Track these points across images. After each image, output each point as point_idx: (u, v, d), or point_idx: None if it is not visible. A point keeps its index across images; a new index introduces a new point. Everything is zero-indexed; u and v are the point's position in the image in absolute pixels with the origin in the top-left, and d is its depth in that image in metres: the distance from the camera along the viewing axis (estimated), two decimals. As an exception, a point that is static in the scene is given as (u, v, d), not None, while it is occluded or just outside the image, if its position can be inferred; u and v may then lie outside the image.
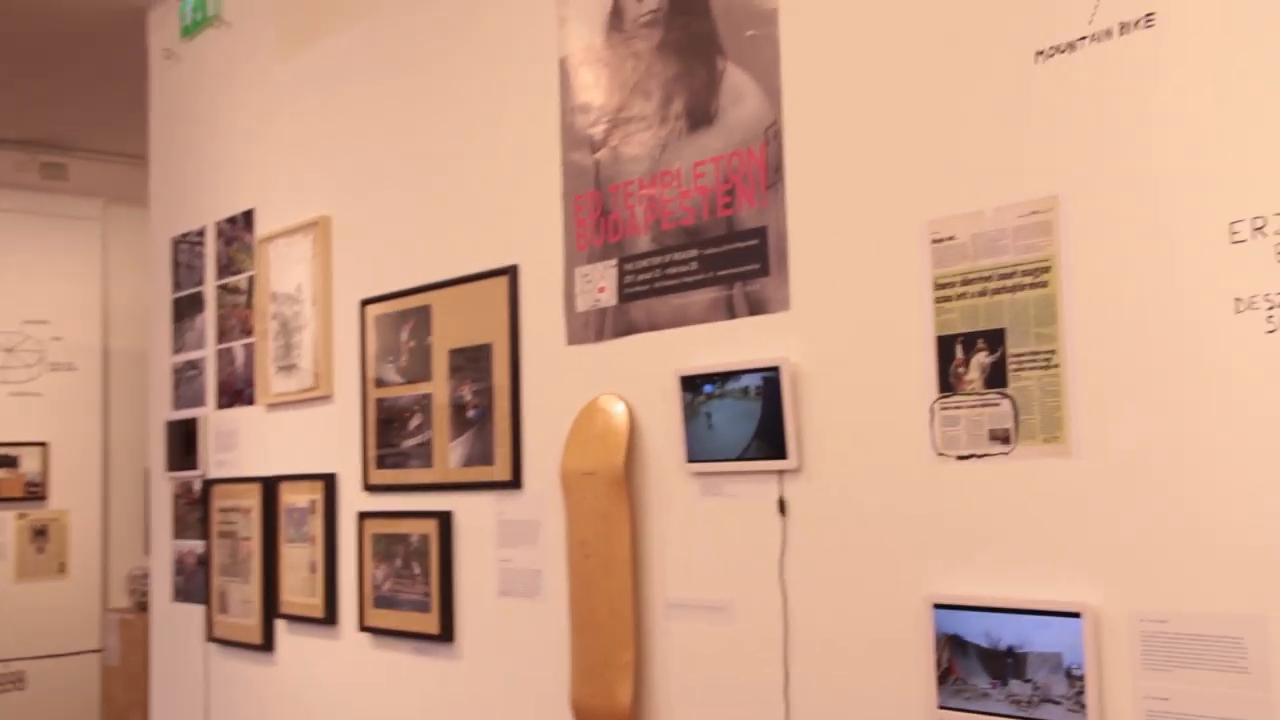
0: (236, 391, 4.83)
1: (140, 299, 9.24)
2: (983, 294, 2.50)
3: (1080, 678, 2.29)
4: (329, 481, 4.27)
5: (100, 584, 9.03)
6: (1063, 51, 2.41)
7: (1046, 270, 2.40)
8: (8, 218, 8.93)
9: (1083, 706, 2.29)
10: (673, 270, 3.13)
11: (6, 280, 8.94)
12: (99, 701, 8.81)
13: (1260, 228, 2.13)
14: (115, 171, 8.57)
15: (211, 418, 4.99)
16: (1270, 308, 2.11)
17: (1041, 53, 2.43)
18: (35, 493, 8.84)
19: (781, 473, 2.87)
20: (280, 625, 4.55)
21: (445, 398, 3.77)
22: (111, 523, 9.13)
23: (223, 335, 4.93)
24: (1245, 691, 2.13)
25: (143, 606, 7.48)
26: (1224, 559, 2.16)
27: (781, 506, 2.87)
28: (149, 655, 7.26)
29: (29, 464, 8.82)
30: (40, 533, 8.81)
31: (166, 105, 5.52)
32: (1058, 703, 2.33)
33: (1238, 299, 2.15)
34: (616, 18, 3.32)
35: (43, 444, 8.88)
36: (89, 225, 9.18)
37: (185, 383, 5.15)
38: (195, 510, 5.05)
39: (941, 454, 2.56)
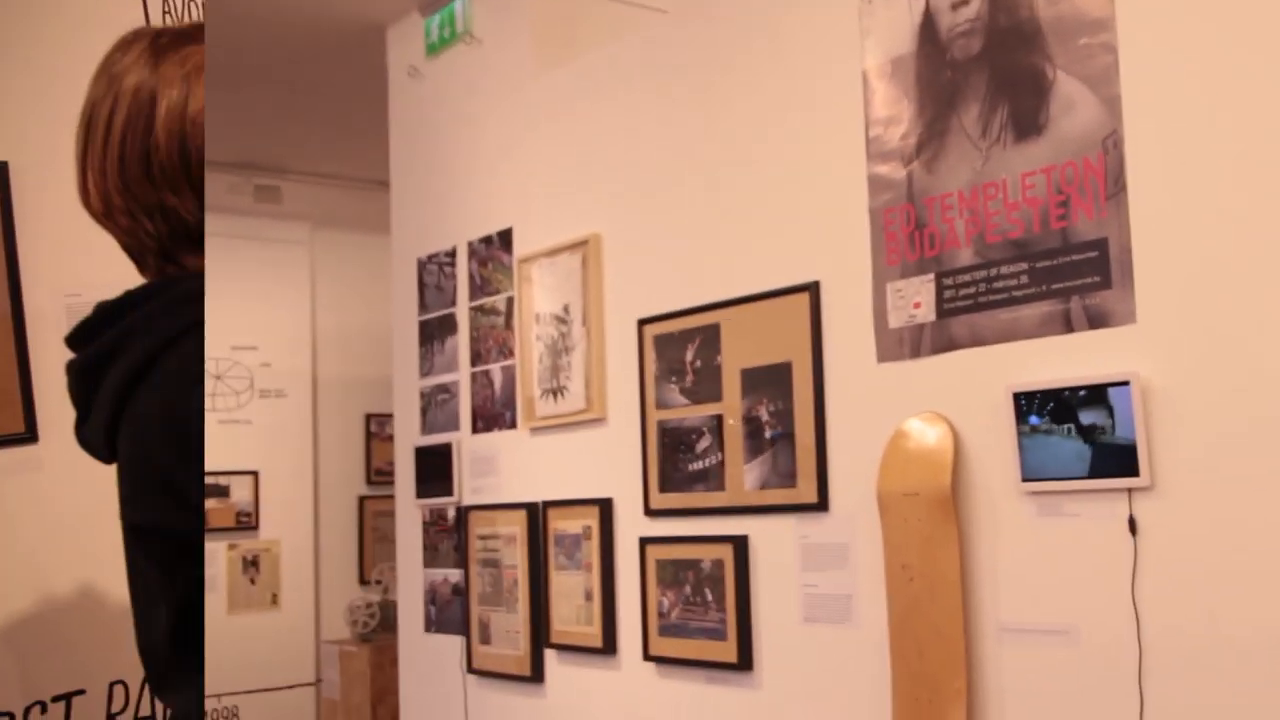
0: (494, 415, 4.81)
1: (349, 324, 9.32)
2: (1377, 301, 2.39)
3: None
4: (604, 506, 4.22)
5: (313, 615, 9.04)
6: None
7: None
8: (218, 242, 8.95)
9: None
10: (999, 284, 3.04)
11: (216, 306, 8.96)
12: (315, 735, 8.84)
13: None
14: (324, 194, 8.64)
15: (466, 442, 4.97)
16: None
17: None
18: (246, 522, 8.88)
19: (1131, 490, 2.77)
20: (550, 655, 4.49)
21: (738, 418, 3.71)
22: (322, 552, 9.15)
23: (477, 358, 4.91)
24: None
25: (365, 638, 7.49)
26: None
27: (1132, 525, 2.77)
28: (373, 688, 7.31)
29: (239, 493, 8.87)
30: (252, 563, 8.84)
31: (407, 124, 5.51)
32: None
33: None
34: (929, 29, 3.24)
35: (253, 473, 8.93)
36: (297, 249, 9.20)
37: (435, 407, 5.15)
38: (449, 538, 5.04)
39: (1331, 470, 2.45)
